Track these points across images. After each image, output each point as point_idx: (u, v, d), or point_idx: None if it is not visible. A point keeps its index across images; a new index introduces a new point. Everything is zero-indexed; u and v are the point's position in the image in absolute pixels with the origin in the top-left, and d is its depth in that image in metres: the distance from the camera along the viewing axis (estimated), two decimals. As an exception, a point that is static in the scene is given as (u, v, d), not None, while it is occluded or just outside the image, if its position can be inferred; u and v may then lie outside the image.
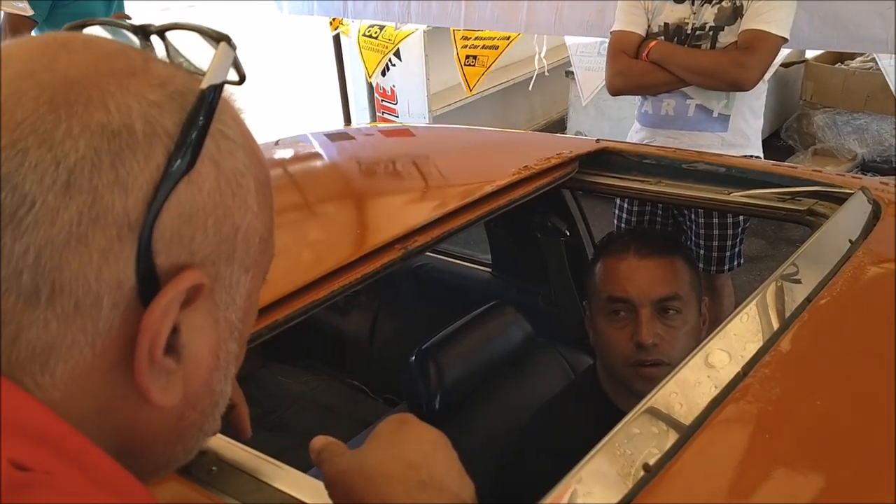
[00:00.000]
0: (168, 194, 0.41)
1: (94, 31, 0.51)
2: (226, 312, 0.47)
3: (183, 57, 0.48)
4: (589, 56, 3.45)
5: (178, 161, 0.41)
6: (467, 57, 3.92)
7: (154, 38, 0.49)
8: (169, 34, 0.49)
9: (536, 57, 3.59)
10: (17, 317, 0.39)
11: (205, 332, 0.45)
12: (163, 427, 0.46)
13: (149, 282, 0.41)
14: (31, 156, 0.38)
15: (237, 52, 0.45)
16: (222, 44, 0.44)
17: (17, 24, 2.80)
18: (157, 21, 0.50)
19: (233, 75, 0.45)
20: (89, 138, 0.39)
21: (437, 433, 0.66)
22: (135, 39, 0.49)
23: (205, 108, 0.42)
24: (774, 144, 4.58)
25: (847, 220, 1.20)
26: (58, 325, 0.39)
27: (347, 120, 4.18)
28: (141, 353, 0.41)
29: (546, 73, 3.75)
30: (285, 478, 0.82)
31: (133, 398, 0.43)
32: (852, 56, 4.67)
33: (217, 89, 0.43)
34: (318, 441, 0.67)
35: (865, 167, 4.39)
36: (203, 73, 0.44)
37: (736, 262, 2.28)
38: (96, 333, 0.40)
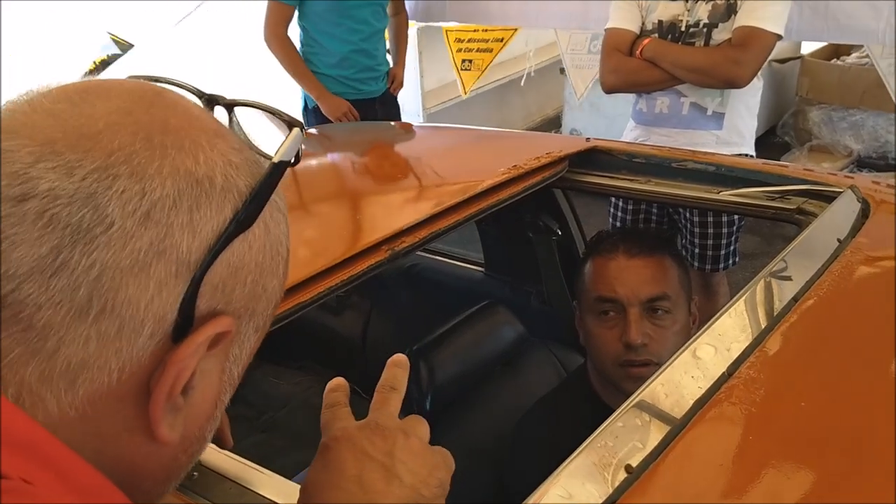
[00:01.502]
0: (226, 244, 0.44)
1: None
2: (232, 366, 0.49)
3: (245, 134, 0.52)
4: (579, 54, 3.46)
5: (242, 218, 0.45)
6: (463, 61, 3.96)
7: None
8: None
9: (532, 53, 3.60)
10: (62, 331, 0.40)
11: (212, 380, 0.48)
12: (157, 466, 0.47)
13: (186, 321, 0.43)
14: (120, 182, 0.41)
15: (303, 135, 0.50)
16: (295, 129, 0.49)
17: (279, 13, 2.83)
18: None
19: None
20: (176, 180, 0.42)
21: (361, 447, 0.61)
22: (198, 102, 0.52)
23: (273, 178, 0.47)
24: (770, 141, 4.57)
25: (835, 219, 1.20)
26: (97, 345, 0.41)
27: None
28: (164, 386, 0.43)
29: (531, 74, 3.78)
30: (268, 483, 0.82)
31: (137, 432, 0.45)
32: (848, 52, 4.67)
33: (284, 165, 0.47)
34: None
35: (861, 163, 4.39)
36: (265, 155, 0.49)
37: (731, 261, 2.27)
38: (128, 359, 0.42)
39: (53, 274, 0.39)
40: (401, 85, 3.22)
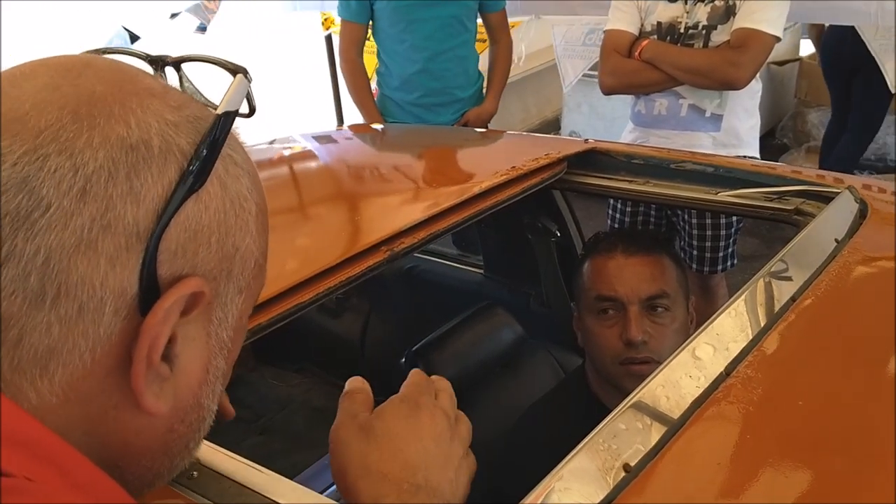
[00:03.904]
0: (177, 209, 0.42)
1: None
2: (218, 329, 0.48)
3: (195, 88, 0.51)
4: (573, 46, 3.48)
5: (190, 178, 0.43)
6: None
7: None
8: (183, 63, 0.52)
9: (522, 59, 3.62)
10: (22, 320, 0.40)
11: (198, 344, 0.47)
12: (152, 439, 0.47)
13: (150, 292, 0.42)
14: (50, 162, 0.39)
15: (251, 84, 0.48)
16: (239, 75, 0.47)
17: (348, 33, 2.64)
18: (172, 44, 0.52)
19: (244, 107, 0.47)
20: (108, 150, 0.41)
21: (443, 427, 0.66)
22: (149, 69, 0.51)
23: (218, 131, 0.44)
24: (769, 143, 4.58)
25: (833, 220, 1.20)
26: (60, 329, 0.40)
27: (340, 120, 4.16)
28: (140, 355, 0.42)
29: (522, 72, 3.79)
30: (267, 483, 0.81)
31: (125, 408, 0.44)
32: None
33: (231, 116, 0.45)
34: (354, 383, 0.71)
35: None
36: (214, 106, 0.47)
37: (729, 263, 2.27)
38: (97, 339, 0.41)
39: (1, 265, 0.39)
40: (478, 125, 2.76)
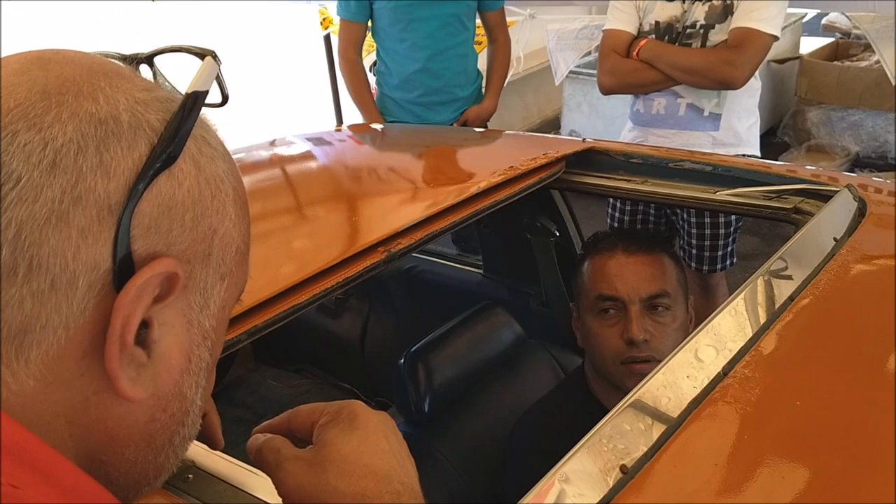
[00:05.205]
0: (149, 183, 0.43)
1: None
2: (199, 316, 0.48)
3: (168, 82, 0.51)
4: (566, 41, 3.48)
5: (161, 153, 0.43)
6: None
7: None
8: (156, 60, 0.52)
9: (521, 62, 3.63)
10: None
11: (176, 331, 0.46)
12: (133, 427, 0.46)
13: (124, 266, 0.42)
14: (20, 137, 0.40)
15: (221, 68, 0.48)
16: (207, 58, 0.47)
17: (347, 32, 2.64)
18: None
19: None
20: (77, 124, 0.41)
21: (383, 420, 0.63)
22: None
23: (188, 110, 0.44)
24: (769, 141, 4.57)
25: (832, 218, 1.20)
26: (33, 304, 0.40)
27: (339, 120, 4.16)
28: (112, 335, 0.42)
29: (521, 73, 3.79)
30: (262, 485, 0.81)
31: (106, 394, 0.44)
32: (847, 53, 4.67)
33: (201, 95, 0.45)
34: (258, 439, 0.65)
35: (860, 163, 4.39)
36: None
37: (729, 262, 2.27)
38: (70, 315, 0.41)
39: None
40: (478, 124, 2.77)
